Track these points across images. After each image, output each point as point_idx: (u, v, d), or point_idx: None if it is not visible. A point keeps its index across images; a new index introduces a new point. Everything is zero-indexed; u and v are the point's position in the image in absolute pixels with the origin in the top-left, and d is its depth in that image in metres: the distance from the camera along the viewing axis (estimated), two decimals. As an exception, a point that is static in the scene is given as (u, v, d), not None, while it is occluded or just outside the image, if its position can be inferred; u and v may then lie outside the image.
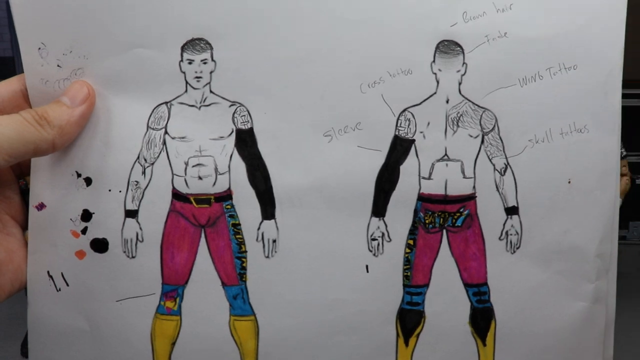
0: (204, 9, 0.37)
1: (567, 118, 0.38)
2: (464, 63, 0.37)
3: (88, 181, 0.38)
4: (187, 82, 0.38)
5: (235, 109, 0.38)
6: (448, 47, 0.37)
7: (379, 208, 0.39)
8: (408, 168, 0.38)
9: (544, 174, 0.39)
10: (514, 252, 0.39)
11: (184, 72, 0.37)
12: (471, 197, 0.39)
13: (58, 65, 0.37)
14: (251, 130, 0.38)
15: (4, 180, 0.38)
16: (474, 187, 0.39)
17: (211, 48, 0.37)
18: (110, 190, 0.38)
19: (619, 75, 0.38)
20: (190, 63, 0.37)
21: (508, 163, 0.39)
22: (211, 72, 0.37)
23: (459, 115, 0.38)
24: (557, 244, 0.39)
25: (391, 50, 0.37)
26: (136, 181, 0.38)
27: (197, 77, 0.37)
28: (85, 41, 0.37)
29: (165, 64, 0.37)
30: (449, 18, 0.37)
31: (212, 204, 0.39)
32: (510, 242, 0.39)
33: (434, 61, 0.37)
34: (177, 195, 0.38)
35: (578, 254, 0.39)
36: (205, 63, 0.37)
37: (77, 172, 0.38)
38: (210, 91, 0.38)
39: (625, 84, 0.39)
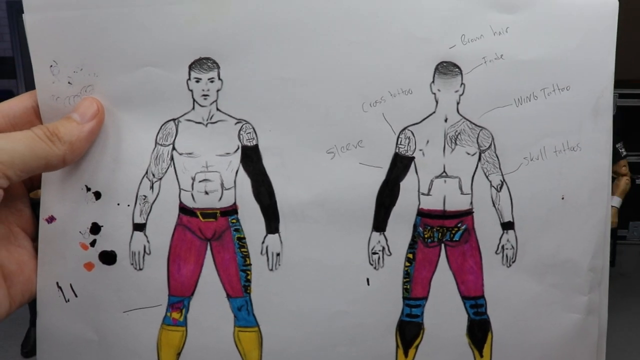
0: (212, 29, 0.38)
1: (561, 136, 0.39)
2: (462, 83, 0.39)
3: (97, 195, 0.39)
4: (194, 100, 0.39)
5: (241, 126, 0.39)
6: (447, 68, 0.38)
7: (380, 223, 0.40)
8: (408, 184, 0.40)
9: (539, 190, 0.40)
10: (510, 265, 0.41)
11: (191, 90, 0.38)
12: (468, 213, 0.40)
13: (69, 82, 0.38)
14: (256, 147, 0.39)
15: (15, 194, 0.39)
16: (471, 202, 0.40)
17: (218, 67, 0.38)
18: (119, 204, 0.39)
19: (610, 96, 0.40)
20: (197, 81, 0.38)
21: (504, 180, 0.40)
22: (218, 91, 0.39)
23: (457, 133, 0.39)
24: (551, 257, 0.40)
25: (392, 71, 0.38)
26: (144, 195, 0.39)
27: (204, 95, 0.39)
28: (95, 59, 0.38)
29: (173, 82, 0.38)
30: (448, 40, 0.38)
31: (218, 218, 0.40)
32: (506, 256, 0.40)
33: (433, 82, 0.39)
34: (184, 210, 0.39)
35: (572, 268, 0.41)
36: (212, 81, 0.38)
37: (86, 186, 0.39)
38: (217, 109, 0.39)
39: (626, 84, 0.40)
